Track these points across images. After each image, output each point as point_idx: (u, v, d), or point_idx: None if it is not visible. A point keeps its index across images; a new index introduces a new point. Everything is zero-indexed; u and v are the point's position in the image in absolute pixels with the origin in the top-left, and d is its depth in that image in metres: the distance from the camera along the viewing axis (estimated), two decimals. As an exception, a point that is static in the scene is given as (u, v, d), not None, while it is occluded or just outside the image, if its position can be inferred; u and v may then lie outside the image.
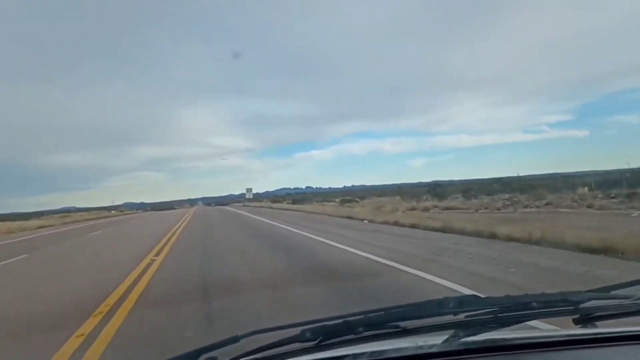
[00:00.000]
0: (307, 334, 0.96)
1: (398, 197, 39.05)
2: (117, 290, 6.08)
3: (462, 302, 1.06)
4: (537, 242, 7.79)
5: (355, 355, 1.05)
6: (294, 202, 55.55)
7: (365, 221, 16.72)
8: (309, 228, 15.10)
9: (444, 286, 5.18)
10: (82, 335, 4.05)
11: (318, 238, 11.56)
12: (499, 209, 20.81)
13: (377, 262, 7.26)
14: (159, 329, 4.17)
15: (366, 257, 7.80)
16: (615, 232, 7.55)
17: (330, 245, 9.91)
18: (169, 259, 9.24)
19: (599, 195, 20.80)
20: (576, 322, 1.18)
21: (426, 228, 12.03)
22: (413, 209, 24.53)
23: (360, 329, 0.99)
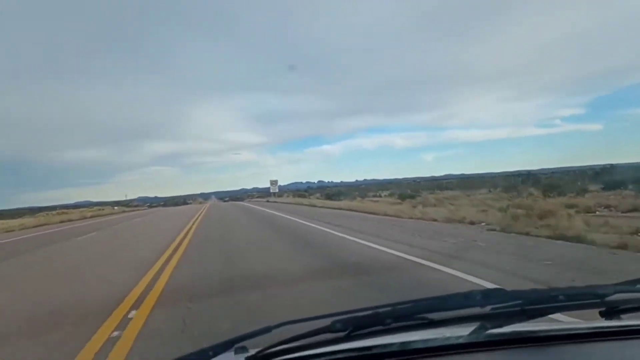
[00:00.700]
0: (338, 325, 0.98)
1: (483, 192, 31.29)
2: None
3: (489, 294, 1.07)
4: None
5: (384, 346, 1.08)
6: (328, 197, 46.95)
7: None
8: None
9: None
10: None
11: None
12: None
13: None
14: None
15: None
16: None
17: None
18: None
19: None
20: (602, 315, 1.19)
21: None
22: (550, 212, 10.44)
23: (389, 320, 1.01)
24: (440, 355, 1.10)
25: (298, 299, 4.85)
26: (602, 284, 1.18)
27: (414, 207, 20.25)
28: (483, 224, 11.70)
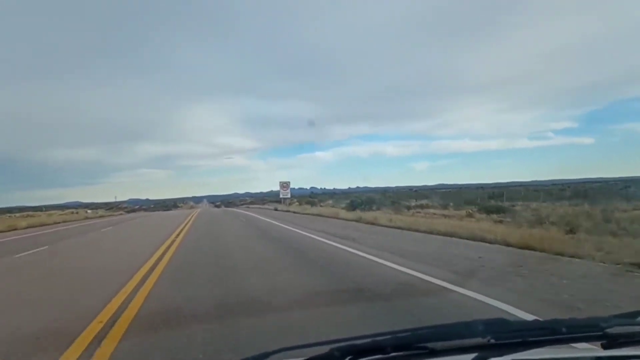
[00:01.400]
0: (336, 353, 0.96)
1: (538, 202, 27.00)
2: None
3: (490, 324, 1.06)
4: None
5: None
6: (352, 206, 32.23)
7: None
8: None
9: None
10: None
11: None
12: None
13: None
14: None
15: None
16: None
17: None
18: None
19: None
20: (604, 347, 1.18)
21: None
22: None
23: (389, 349, 0.99)
24: None
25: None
26: (603, 315, 1.17)
27: (519, 227, 12.53)
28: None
